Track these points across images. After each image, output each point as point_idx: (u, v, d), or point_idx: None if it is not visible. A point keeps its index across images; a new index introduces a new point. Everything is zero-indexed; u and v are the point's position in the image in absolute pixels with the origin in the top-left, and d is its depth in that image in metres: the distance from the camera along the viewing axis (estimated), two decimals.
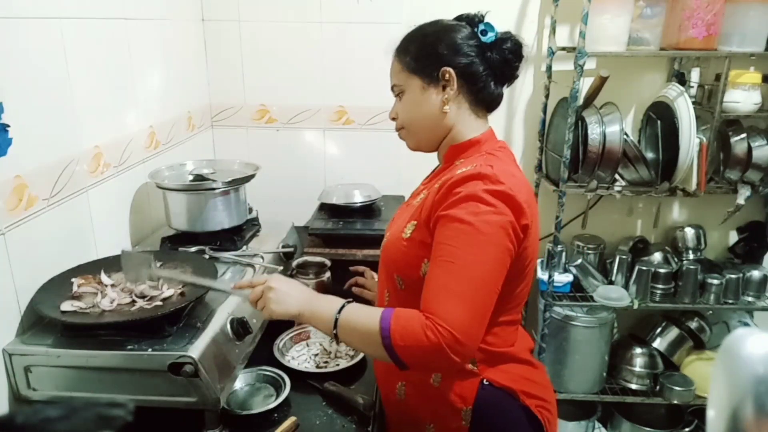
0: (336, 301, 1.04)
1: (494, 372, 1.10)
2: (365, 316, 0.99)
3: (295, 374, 1.26)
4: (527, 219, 1.01)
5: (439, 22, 1.13)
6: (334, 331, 1.00)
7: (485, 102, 1.13)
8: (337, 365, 1.31)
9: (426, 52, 1.09)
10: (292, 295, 1.06)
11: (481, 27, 1.09)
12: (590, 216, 2.16)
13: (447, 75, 1.08)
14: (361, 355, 1.32)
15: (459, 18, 1.14)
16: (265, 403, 1.18)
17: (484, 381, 1.08)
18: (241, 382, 1.25)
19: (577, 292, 2.16)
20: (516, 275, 1.05)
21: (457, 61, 1.07)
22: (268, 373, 1.27)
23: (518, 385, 1.11)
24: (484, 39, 1.08)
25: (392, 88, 1.16)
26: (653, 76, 2.18)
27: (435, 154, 1.20)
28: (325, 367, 1.31)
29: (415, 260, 1.05)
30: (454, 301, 0.93)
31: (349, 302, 1.03)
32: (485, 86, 1.11)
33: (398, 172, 2.15)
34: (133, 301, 1.10)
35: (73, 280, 1.16)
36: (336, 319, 1.00)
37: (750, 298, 2.14)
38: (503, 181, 0.99)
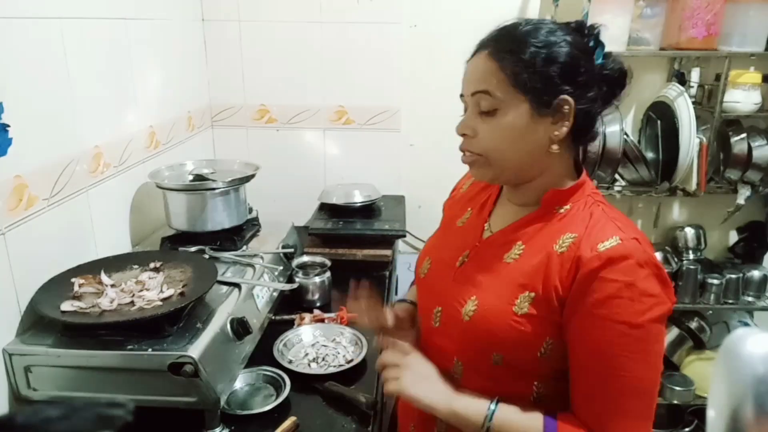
0: (480, 405, 0.88)
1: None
2: (524, 429, 0.86)
3: (295, 374, 1.26)
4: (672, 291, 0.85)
5: (545, 24, 0.85)
6: None
7: (587, 143, 0.93)
8: (338, 366, 1.30)
9: (545, 70, 0.82)
10: (430, 388, 0.91)
11: (593, 41, 0.86)
12: None
13: (567, 107, 0.83)
14: (362, 356, 1.32)
15: (567, 24, 0.87)
16: (265, 403, 1.18)
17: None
18: (241, 382, 1.25)
19: None
20: None
21: (580, 93, 0.83)
22: (268, 373, 1.27)
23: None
24: (596, 60, 0.85)
25: (473, 95, 0.86)
26: (653, 76, 2.18)
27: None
28: (326, 367, 1.31)
29: (534, 339, 0.85)
30: (630, 423, 0.82)
31: (495, 402, 0.88)
32: (595, 125, 0.88)
33: (398, 172, 2.15)
34: (133, 301, 1.10)
35: (73, 280, 1.15)
36: (488, 429, 0.87)
37: (750, 298, 2.14)
38: (655, 257, 0.83)
